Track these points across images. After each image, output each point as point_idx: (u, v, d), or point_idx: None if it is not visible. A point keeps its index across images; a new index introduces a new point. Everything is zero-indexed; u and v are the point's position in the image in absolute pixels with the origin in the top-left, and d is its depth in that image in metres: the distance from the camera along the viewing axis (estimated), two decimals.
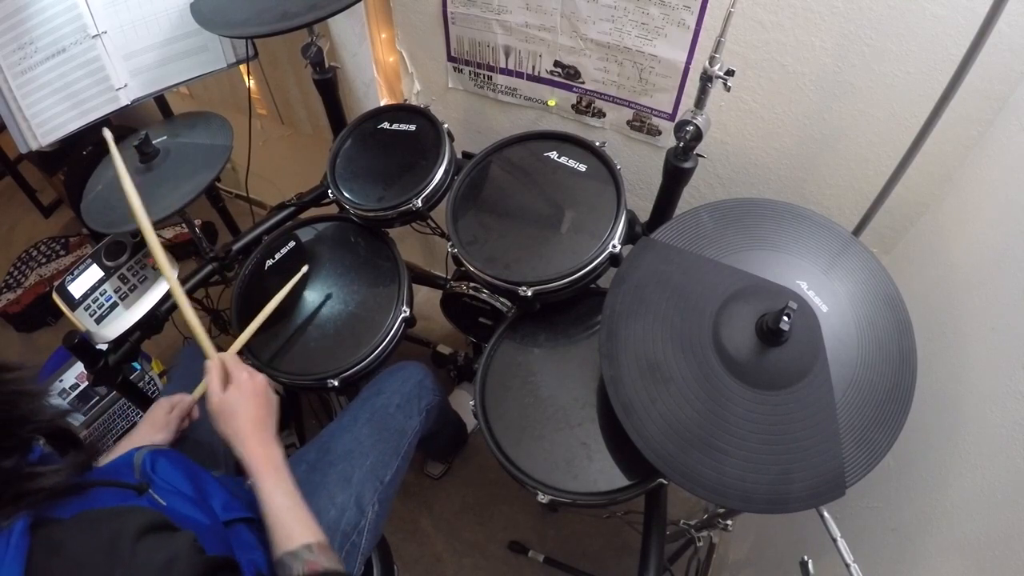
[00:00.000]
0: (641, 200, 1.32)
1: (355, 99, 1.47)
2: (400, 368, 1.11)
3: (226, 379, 0.80)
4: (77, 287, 1.08)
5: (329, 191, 1.20)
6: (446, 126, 1.18)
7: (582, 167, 1.07)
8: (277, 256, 1.22)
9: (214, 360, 0.81)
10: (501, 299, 1.27)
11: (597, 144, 1.07)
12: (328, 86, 1.25)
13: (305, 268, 1.14)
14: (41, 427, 0.54)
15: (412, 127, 1.22)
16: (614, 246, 0.97)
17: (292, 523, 0.69)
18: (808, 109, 1.02)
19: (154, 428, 0.87)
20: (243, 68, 1.40)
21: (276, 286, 1.18)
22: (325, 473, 0.93)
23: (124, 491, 0.61)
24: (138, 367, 1.72)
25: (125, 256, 1.11)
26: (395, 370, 1.11)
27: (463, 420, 1.56)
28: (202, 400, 0.91)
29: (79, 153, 1.99)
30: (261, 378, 0.81)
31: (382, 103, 1.54)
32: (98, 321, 1.07)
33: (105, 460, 0.78)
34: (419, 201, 1.11)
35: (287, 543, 0.68)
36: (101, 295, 1.08)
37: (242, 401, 0.76)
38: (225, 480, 0.83)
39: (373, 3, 1.39)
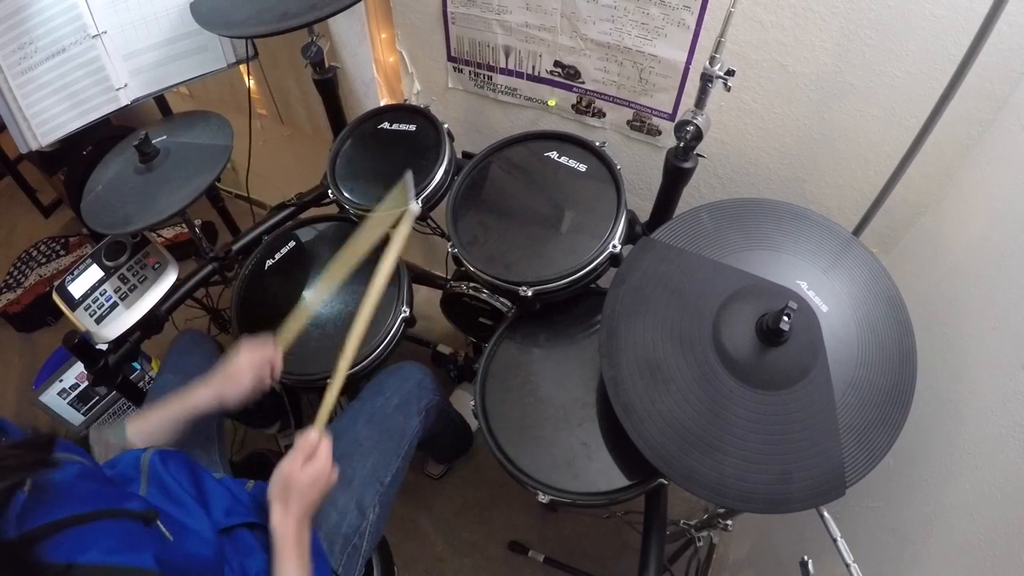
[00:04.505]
0: (641, 200, 1.32)
1: (355, 99, 1.47)
2: (399, 368, 1.11)
3: (310, 454, 0.80)
4: (77, 287, 1.08)
5: (329, 191, 1.20)
6: (446, 126, 1.18)
7: (582, 167, 1.07)
8: (277, 256, 1.22)
9: (318, 435, 0.81)
10: (501, 299, 1.27)
11: (597, 144, 1.07)
12: (328, 86, 1.25)
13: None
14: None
15: (412, 127, 1.22)
16: (614, 246, 0.97)
17: None
18: (808, 109, 1.02)
19: (228, 380, 0.86)
20: (243, 68, 1.40)
21: (277, 286, 1.18)
22: None
23: (133, 521, 0.60)
24: (138, 367, 1.72)
25: (125, 256, 1.11)
26: (394, 370, 1.11)
27: (467, 423, 1.55)
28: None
29: (79, 153, 1.98)
30: (335, 475, 0.83)
31: (382, 103, 1.54)
32: (98, 321, 1.07)
33: (144, 425, 0.82)
34: (419, 201, 1.11)
35: None
36: (101, 295, 1.08)
37: (307, 486, 0.79)
38: (227, 482, 0.83)
39: (373, 3, 1.39)
